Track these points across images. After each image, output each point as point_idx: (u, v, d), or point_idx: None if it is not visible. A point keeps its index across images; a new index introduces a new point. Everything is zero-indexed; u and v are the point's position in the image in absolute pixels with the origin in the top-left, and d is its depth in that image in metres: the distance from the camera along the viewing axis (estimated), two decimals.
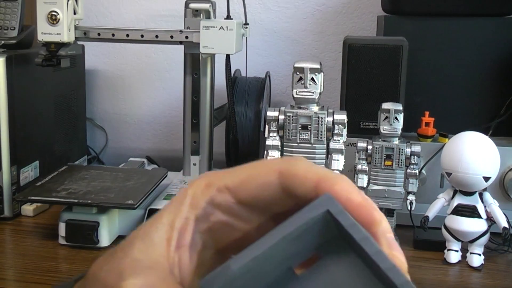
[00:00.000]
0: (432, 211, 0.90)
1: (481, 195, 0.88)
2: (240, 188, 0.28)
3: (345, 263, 0.26)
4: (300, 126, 0.85)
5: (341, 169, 0.86)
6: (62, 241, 0.91)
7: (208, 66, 1.10)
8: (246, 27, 1.10)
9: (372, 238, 0.25)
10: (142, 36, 1.03)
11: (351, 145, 0.98)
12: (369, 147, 0.90)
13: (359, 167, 0.90)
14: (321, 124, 0.85)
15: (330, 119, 0.86)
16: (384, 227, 0.27)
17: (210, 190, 0.28)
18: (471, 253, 0.88)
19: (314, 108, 0.86)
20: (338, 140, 0.86)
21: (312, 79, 0.85)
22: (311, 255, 0.27)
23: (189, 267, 0.28)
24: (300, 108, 0.86)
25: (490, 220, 0.88)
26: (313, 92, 0.85)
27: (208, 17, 1.03)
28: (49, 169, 1.10)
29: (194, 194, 0.29)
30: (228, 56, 1.06)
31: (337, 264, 0.26)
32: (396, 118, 0.88)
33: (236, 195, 0.28)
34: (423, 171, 0.98)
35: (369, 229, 0.26)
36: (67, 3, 0.97)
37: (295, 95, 0.86)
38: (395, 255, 0.26)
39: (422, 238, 0.93)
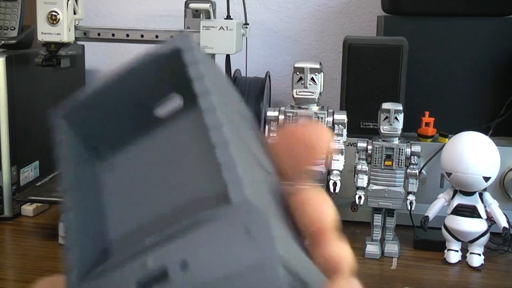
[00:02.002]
0: (432, 211, 0.90)
1: (481, 195, 0.88)
2: None
3: (189, 116, 0.23)
4: None
5: (341, 169, 0.86)
6: (62, 241, 0.91)
7: None
8: (246, 27, 1.10)
9: (212, 95, 0.21)
10: (142, 36, 1.03)
11: (351, 145, 0.98)
12: (369, 147, 0.90)
13: (359, 167, 0.90)
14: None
15: (330, 119, 0.86)
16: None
17: None
18: (471, 253, 0.88)
19: (314, 108, 0.86)
20: (338, 140, 0.86)
21: (312, 79, 0.85)
22: (169, 96, 0.24)
23: None
24: (300, 108, 0.86)
25: (490, 220, 0.88)
26: (313, 92, 0.85)
27: (208, 17, 1.03)
28: (49, 169, 1.10)
29: None
30: (228, 56, 1.06)
31: (184, 115, 0.23)
32: (396, 118, 0.88)
33: None
34: (423, 171, 0.98)
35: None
36: (67, 3, 0.97)
37: (295, 95, 0.86)
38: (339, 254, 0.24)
39: (422, 238, 0.93)
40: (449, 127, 1.00)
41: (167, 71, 0.22)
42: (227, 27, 0.99)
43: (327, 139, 0.25)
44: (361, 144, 0.90)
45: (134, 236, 0.22)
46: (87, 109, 0.23)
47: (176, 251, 0.18)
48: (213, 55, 1.10)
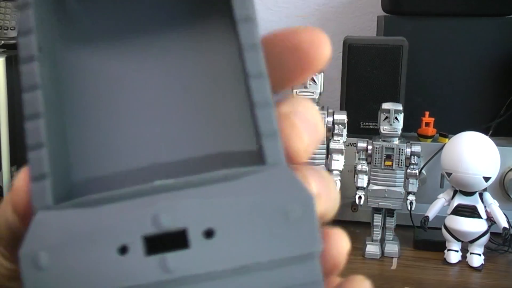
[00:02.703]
0: (432, 211, 0.90)
1: (481, 195, 0.88)
2: None
3: (218, 23, 0.18)
4: None
5: (341, 169, 0.86)
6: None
7: None
8: None
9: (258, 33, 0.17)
10: None
11: (351, 145, 0.98)
12: (369, 147, 0.90)
13: (359, 167, 0.90)
14: None
15: (330, 119, 0.86)
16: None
17: None
18: (471, 253, 0.88)
19: None
20: (338, 140, 0.86)
21: (312, 79, 0.85)
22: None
23: None
24: None
25: (490, 220, 0.88)
26: (313, 92, 0.85)
27: None
28: None
29: None
30: None
31: (211, 20, 0.18)
32: (396, 118, 0.88)
33: None
34: (423, 171, 0.98)
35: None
36: None
37: (295, 95, 0.86)
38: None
39: (422, 238, 0.93)
40: (449, 127, 1.00)
41: None
42: None
43: (324, 47, 0.19)
44: (361, 144, 0.90)
45: (127, 170, 0.17)
46: None
47: (198, 210, 0.14)
48: None
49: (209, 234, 0.14)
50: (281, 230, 0.15)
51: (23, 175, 0.17)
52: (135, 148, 0.17)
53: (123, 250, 0.14)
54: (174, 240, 0.14)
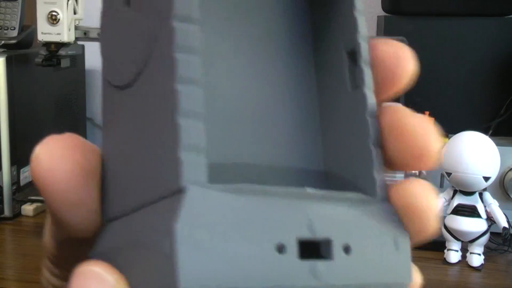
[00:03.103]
0: None
1: (481, 195, 0.88)
2: None
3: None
4: None
5: None
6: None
7: None
8: None
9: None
10: None
11: None
12: None
13: None
14: None
15: None
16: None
17: None
18: (471, 253, 0.88)
19: None
20: None
21: None
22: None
23: None
24: None
25: (490, 220, 0.88)
26: None
27: None
28: None
29: None
30: None
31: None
32: None
33: None
34: (423, 171, 0.98)
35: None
36: (67, 3, 0.98)
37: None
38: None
39: None
40: (449, 127, 1.00)
41: None
42: None
43: (409, 63, 0.19)
44: None
45: (243, 164, 0.17)
46: None
47: (343, 225, 0.16)
48: None
49: (347, 249, 0.15)
50: (391, 259, 0.17)
51: (50, 143, 0.17)
52: (243, 144, 0.17)
53: (281, 249, 0.14)
54: (316, 249, 0.15)
